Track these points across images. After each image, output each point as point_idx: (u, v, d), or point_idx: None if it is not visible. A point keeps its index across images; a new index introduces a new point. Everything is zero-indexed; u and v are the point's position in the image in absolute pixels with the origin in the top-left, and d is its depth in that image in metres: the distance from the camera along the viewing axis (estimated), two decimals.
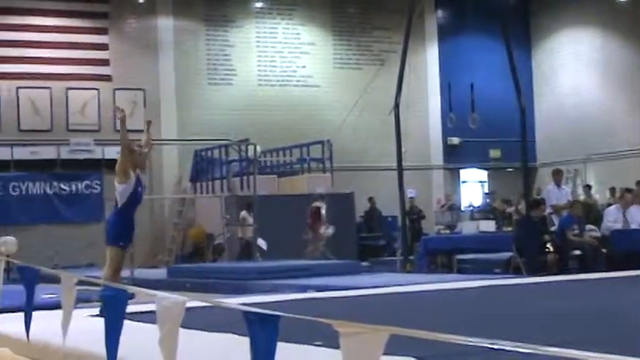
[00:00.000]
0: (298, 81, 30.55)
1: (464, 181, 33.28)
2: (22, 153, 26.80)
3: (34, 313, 8.01)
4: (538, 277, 15.51)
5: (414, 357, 5.70)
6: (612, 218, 18.63)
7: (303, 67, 30.66)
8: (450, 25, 32.74)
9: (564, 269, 17.12)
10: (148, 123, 11.88)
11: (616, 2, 30.16)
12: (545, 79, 31.84)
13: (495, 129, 30.60)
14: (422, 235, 24.86)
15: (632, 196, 19.43)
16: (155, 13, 28.86)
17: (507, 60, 19.90)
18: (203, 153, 27.40)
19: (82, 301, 11.10)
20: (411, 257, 21.02)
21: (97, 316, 9.91)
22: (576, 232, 17.94)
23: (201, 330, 7.62)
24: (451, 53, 32.47)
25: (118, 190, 10.71)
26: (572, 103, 31.22)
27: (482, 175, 33.48)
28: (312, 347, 6.59)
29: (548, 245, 17.95)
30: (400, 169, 20.57)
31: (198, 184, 27.56)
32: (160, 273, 21.12)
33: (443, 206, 27.55)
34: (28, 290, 7.66)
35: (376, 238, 27.44)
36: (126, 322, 5.85)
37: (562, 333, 7.46)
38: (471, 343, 3.01)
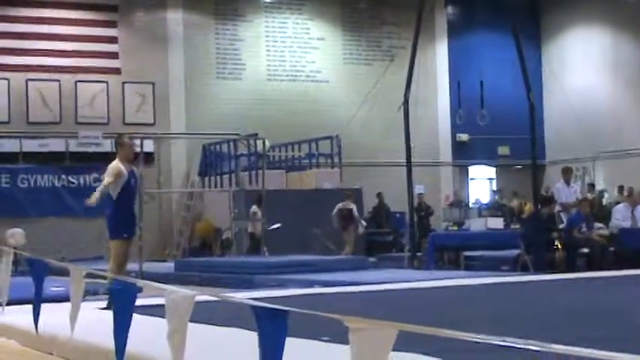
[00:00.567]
0: (307, 76, 30.52)
1: (472, 178, 33.24)
2: (30, 145, 26.82)
3: (42, 306, 8.02)
4: (546, 275, 15.50)
5: (421, 353, 5.70)
6: (620, 216, 18.60)
7: (313, 62, 30.64)
8: (459, 21, 32.69)
9: (572, 267, 17.09)
10: None
11: (627, 1, 30.07)
12: (554, 76, 31.75)
13: (504, 126, 30.55)
14: (430, 231, 24.83)
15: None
16: (165, 7, 28.86)
17: (517, 57, 19.87)
18: (212, 147, 27.40)
19: (90, 293, 11.13)
20: (419, 253, 21.01)
21: (104, 309, 9.94)
22: (584, 230, 17.90)
23: (209, 324, 7.63)
24: (461, 50, 32.42)
25: (112, 184, 10.76)
26: (581, 101, 31.14)
27: (491, 172, 33.44)
28: (320, 342, 6.59)
29: (556, 243, 17.92)
30: (409, 165, 20.54)
31: (206, 179, 27.57)
32: (168, 267, 21.15)
33: (451, 204, 27.51)
34: (37, 283, 7.68)
35: (384, 234, 27.39)
36: (134, 316, 5.85)
37: (569, 330, 7.44)
38: (480, 341, 3.01)
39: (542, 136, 31.49)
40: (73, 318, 6.61)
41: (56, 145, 27.08)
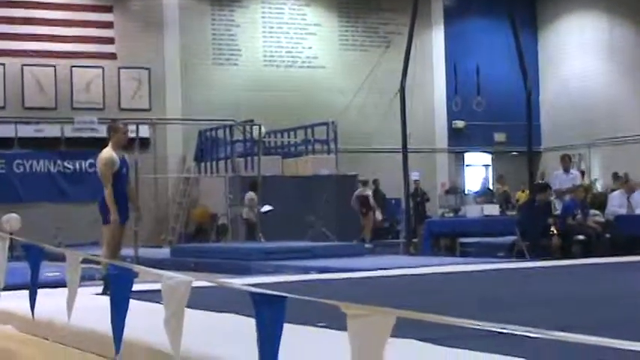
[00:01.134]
0: (304, 62, 30.49)
1: (468, 165, 33.26)
2: (26, 131, 26.80)
3: (38, 291, 8.01)
4: (541, 262, 15.53)
5: (416, 339, 5.71)
6: (617, 203, 18.62)
7: (309, 48, 30.60)
8: (456, 7, 32.63)
9: (568, 254, 17.12)
10: None
11: None
12: (550, 63, 31.79)
13: (500, 113, 30.57)
14: (426, 217, 24.87)
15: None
16: None
17: (513, 43, 19.85)
18: (207, 133, 27.39)
19: (86, 279, 11.12)
20: (415, 240, 21.04)
21: (100, 294, 9.95)
22: (579, 216, 17.93)
23: (205, 310, 7.64)
24: (457, 36, 32.40)
25: (105, 171, 10.77)
26: (577, 88, 31.16)
27: (487, 158, 33.47)
28: (316, 328, 6.60)
29: (552, 229, 17.94)
30: (405, 151, 20.54)
31: (202, 164, 27.57)
32: (164, 252, 21.16)
33: (447, 191, 27.56)
34: (33, 268, 7.66)
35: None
36: (130, 301, 5.85)
37: (564, 316, 7.46)
38: (478, 327, 3.01)
39: (538, 122, 31.50)
40: (70, 304, 6.60)
41: (52, 131, 27.06)
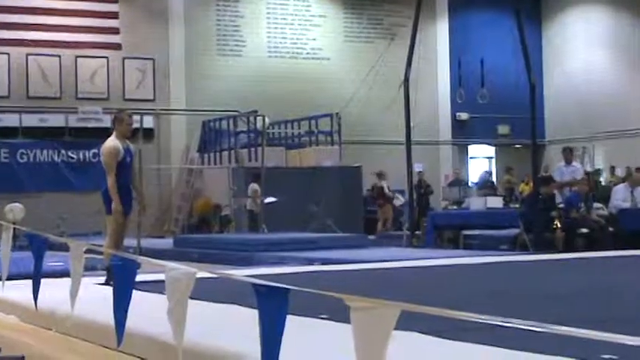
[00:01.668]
0: (308, 53, 30.48)
1: (472, 157, 33.25)
2: (30, 120, 26.82)
3: (41, 281, 8.02)
4: (545, 255, 15.51)
5: (419, 332, 5.70)
6: (620, 197, 18.59)
7: (314, 39, 30.58)
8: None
9: (571, 247, 17.11)
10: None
11: None
12: (555, 55, 31.74)
13: (504, 105, 30.55)
14: (429, 210, 24.86)
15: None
16: None
17: (517, 36, 19.80)
18: (211, 124, 27.38)
19: (88, 269, 11.12)
20: (418, 232, 21.03)
21: (102, 284, 9.95)
22: (583, 210, 17.91)
23: (207, 301, 7.64)
24: (461, 28, 32.37)
25: (108, 160, 10.74)
26: (581, 81, 31.13)
27: (490, 151, 33.45)
28: (318, 320, 6.60)
29: (555, 222, 17.92)
30: (408, 143, 20.53)
31: (205, 155, 27.57)
32: (167, 243, 21.17)
33: (451, 183, 27.55)
34: (37, 258, 7.66)
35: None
36: (133, 292, 5.85)
37: (568, 310, 7.45)
38: (481, 320, 3.01)
39: (542, 115, 31.48)
40: (74, 294, 6.60)
41: (56, 121, 27.09)
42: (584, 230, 17.68)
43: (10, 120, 26.64)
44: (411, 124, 20.70)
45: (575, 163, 19.90)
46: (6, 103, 26.75)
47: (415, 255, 15.88)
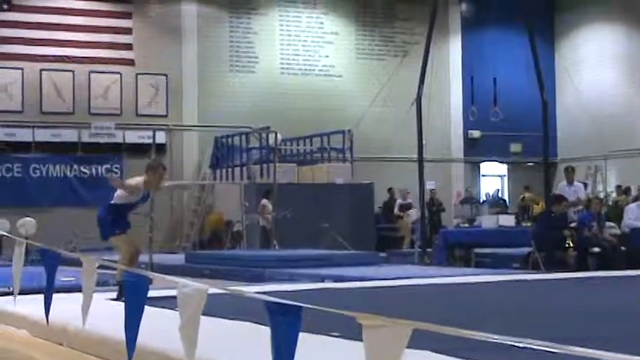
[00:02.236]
0: (320, 70, 30.52)
1: (484, 175, 33.20)
2: (43, 135, 26.90)
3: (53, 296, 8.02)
4: (557, 274, 15.46)
5: (431, 350, 5.68)
6: (633, 216, 18.52)
7: (326, 56, 30.63)
8: (473, 17, 32.59)
9: (583, 266, 17.04)
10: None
11: None
12: (567, 74, 31.69)
13: (516, 123, 30.51)
14: (441, 227, 24.83)
15: None
16: None
17: (530, 54, 19.79)
18: (224, 140, 27.41)
19: (100, 284, 11.13)
20: (430, 250, 20.99)
21: (114, 300, 9.95)
22: (595, 228, 17.84)
23: (219, 317, 7.63)
24: (474, 46, 32.37)
25: (120, 192, 10.65)
26: (594, 99, 31.07)
27: (503, 169, 33.40)
28: (330, 338, 6.58)
29: (567, 241, 17.86)
30: (421, 161, 20.52)
31: (217, 171, 27.59)
32: (178, 258, 21.15)
33: (463, 201, 27.52)
34: (49, 273, 7.67)
35: (394, 229, 27.38)
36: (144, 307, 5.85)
37: (580, 330, 7.42)
38: (493, 340, 3.00)
39: (554, 133, 31.42)
40: (85, 309, 6.60)
41: (69, 136, 27.17)
42: (597, 249, 17.62)
43: (24, 135, 26.73)
44: (424, 142, 20.70)
45: (577, 183, 19.81)
46: (19, 117, 26.85)
47: (427, 273, 15.85)
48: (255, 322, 6.93)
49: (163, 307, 7.73)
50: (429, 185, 25.10)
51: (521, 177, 31.55)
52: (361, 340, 3.30)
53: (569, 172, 19.44)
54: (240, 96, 29.14)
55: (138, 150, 26.78)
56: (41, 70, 27.05)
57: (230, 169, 26.82)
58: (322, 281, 14.19)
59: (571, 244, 17.72)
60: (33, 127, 26.83)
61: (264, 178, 24.88)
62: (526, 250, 18.26)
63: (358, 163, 27.05)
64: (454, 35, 32.40)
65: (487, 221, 21.97)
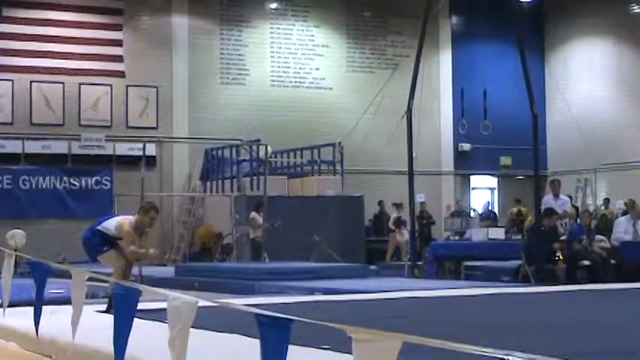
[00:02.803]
0: (311, 83, 30.54)
1: (474, 188, 33.23)
2: (33, 147, 26.83)
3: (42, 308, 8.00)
4: (546, 286, 15.48)
5: None
6: (622, 229, 18.55)
7: (317, 69, 30.66)
8: (463, 31, 32.67)
9: (573, 279, 17.06)
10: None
11: (631, 12, 30.10)
12: (557, 87, 31.76)
13: (506, 136, 30.56)
14: (431, 240, 24.83)
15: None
16: (170, 11, 28.89)
17: (520, 67, 19.83)
18: (214, 152, 27.39)
19: (90, 296, 11.10)
20: (420, 262, 20.99)
21: (103, 312, 9.93)
22: (585, 242, 17.86)
23: (208, 330, 7.62)
24: (464, 59, 32.42)
25: (113, 228, 10.64)
26: (584, 112, 31.13)
27: (493, 181, 33.43)
28: (320, 351, 6.58)
29: (557, 254, 17.88)
30: (411, 173, 20.53)
31: (208, 183, 27.55)
32: (168, 271, 21.14)
33: (453, 214, 27.54)
34: (38, 285, 7.66)
35: (385, 242, 27.36)
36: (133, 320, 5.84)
37: (569, 343, 7.42)
38: (483, 353, 3.00)
39: (544, 146, 31.44)
40: (75, 322, 6.59)
41: (59, 147, 27.10)
42: (586, 262, 17.64)
43: (13, 146, 26.66)
44: (414, 154, 20.71)
45: (563, 196, 19.80)
46: (9, 129, 26.79)
47: (417, 286, 15.86)
48: (245, 335, 6.92)
49: (153, 320, 7.71)
50: (419, 198, 25.13)
51: (512, 190, 31.59)
52: (351, 353, 3.30)
53: (555, 186, 19.45)
54: (231, 108, 29.13)
55: (128, 162, 26.76)
56: (31, 82, 27.00)
57: (220, 182, 26.79)
58: (312, 294, 14.20)
59: (561, 257, 17.75)
60: (23, 138, 26.75)
61: (254, 190, 24.87)
62: (516, 263, 18.27)
63: (348, 175, 27.05)
64: (444, 48, 32.45)
65: (477, 234, 21.97)
